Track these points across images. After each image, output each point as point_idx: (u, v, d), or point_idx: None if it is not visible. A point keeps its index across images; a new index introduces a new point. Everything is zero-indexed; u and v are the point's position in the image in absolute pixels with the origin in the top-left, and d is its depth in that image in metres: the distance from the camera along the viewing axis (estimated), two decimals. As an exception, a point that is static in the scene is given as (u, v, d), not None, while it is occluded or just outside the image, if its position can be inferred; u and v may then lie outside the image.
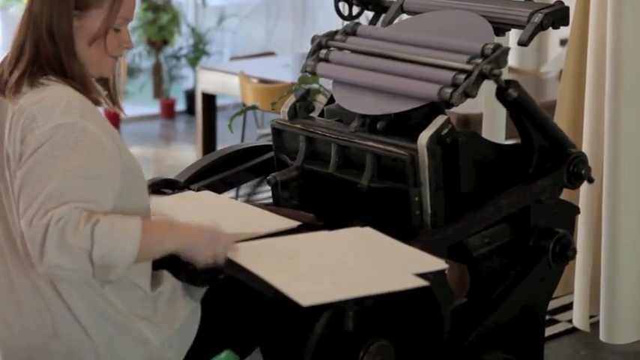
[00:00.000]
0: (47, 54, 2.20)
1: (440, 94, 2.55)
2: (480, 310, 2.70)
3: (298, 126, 2.78)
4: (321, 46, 2.88)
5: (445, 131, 2.54)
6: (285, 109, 2.84)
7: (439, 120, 2.55)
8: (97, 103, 2.24)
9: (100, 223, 2.02)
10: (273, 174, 2.80)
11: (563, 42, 7.24)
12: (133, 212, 2.17)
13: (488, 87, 3.45)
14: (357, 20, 2.96)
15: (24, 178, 2.09)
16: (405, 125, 2.66)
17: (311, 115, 2.86)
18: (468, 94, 2.54)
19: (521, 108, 2.68)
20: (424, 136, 2.52)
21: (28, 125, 2.13)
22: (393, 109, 2.67)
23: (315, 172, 2.75)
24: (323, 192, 2.76)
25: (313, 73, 2.86)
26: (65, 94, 2.17)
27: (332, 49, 2.86)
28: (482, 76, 2.55)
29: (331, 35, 2.89)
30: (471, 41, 2.66)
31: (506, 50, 2.59)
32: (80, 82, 2.21)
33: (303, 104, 2.85)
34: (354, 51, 2.82)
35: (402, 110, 2.65)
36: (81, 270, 2.03)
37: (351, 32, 2.88)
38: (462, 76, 2.55)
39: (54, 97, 2.16)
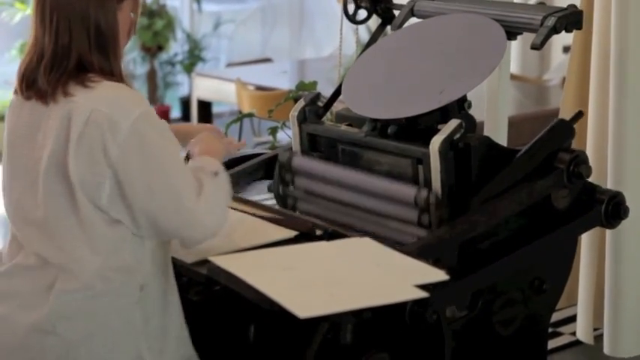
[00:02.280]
0: (92, 58, 2.22)
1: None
2: (482, 323, 2.70)
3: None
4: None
5: (457, 135, 2.55)
6: (294, 112, 2.85)
7: (452, 124, 2.56)
8: None
9: (218, 174, 2.33)
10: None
11: (566, 49, 7.25)
12: None
13: (489, 94, 3.46)
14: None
15: (144, 174, 2.19)
16: (416, 129, 2.67)
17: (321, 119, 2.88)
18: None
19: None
20: (436, 141, 2.53)
21: (108, 127, 2.16)
22: (404, 114, 2.67)
23: None
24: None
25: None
26: (122, 87, 2.24)
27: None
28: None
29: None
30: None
31: (443, 202, 2.56)
32: (122, 78, 2.27)
33: (313, 108, 2.86)
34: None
35: (413, 114, 2.66)
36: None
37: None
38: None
39: (115, 92, 2.21)
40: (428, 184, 2.56)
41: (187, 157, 2.47)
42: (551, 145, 2.73)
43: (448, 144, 2.54)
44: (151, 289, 2.28)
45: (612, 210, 2.80)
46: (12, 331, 2.25)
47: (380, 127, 2.71)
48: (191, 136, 2.53)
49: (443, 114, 2.67)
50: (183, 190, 2.21)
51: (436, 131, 2.57)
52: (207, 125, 2.72)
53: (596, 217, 2.81)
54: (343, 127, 2.83)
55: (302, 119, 2.85)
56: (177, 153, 2.25)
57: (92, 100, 2.18)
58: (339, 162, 2.78)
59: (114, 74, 2.24)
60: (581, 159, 2.75)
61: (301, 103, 2.86)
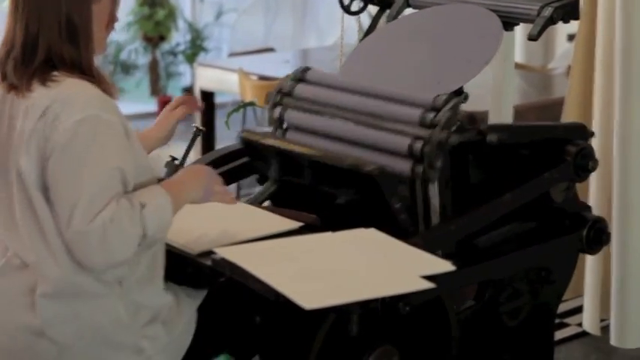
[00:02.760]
0: (62, 49, 2.18)
1: (399, 168, 2.51)
2: (488, 313, 2.69)
3: (270, 142, 2.73)
4: (275, 104, 2.82)
5: (454, 128, 2.54)
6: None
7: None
8: (109, 94, 2.24)
9: (146, 207, 2.14)
10: (255, 195, 2.78)
11: (570, 37, 7.23)
12: None
13: (494, 83, 3.45)
14: (307, 67, 2.90)
15: (57, 179, 2.12)
16: None
17: None
18: (432, 166, 2.50)
19: (507, 145, 2.66)
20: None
21: (52, 123, 2.13)
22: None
23: (294, 183, 2.73)
24: (303, 203, 2.74)
25: (281, 121, 2.80)
26: (81, 87, 2.18)
27: (287, 108, 2.78)
28: (441, 146, 2.51)
29: (281, 87, 2.82)
30: (426, 89, 2.62)
31: (458, 103, 2.55)
32: (94, 74, 2.22)
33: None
34: (305, 108, 2.75)
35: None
36: (132, 253, 2.15)
37: (299, 78, 2.82)
38: (419, 145, 2.50)
39: (71, 91, 2.16)
40: (424, 178, 2.53)
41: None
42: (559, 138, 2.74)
43: (445, 137, 2.52)
44: (130, 282, 2.25)
45: (594, 235, 2.79)
46: (3, 331, 2.25)
47: None
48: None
49: None
50: (79, 207, 2.08)
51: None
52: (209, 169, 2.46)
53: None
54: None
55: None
56: (101, 167, 2.11)
57: (49, 98, 2.16)
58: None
59: (83, 68, 2.20)
60: (587, 152, 2.75)
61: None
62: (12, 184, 2.21)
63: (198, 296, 2.43)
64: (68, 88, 2.17)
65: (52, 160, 2.13)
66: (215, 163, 2.94)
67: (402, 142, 2.51)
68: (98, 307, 2.22)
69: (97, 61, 2.28)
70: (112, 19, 2.28)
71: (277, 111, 2.78)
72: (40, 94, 2.17)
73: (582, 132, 2.82)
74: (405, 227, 2.53)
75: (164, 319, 2.31)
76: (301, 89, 2.77)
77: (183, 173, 2.35)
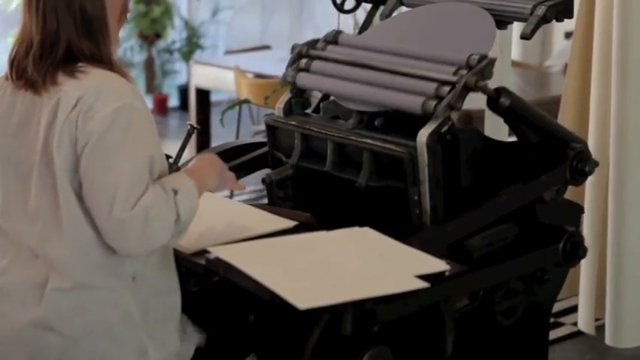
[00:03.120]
0: (81, 44, 2.20)
1: (423, 107, 2.54)
2: (483, 312, 2.69)
3: (293, 123, 2.78)
4: (302, 55, 2.85)
5: (445, 128, 2.54)
6: (280, 105, 2.83)
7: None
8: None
9: (178, 193, 2.17)
10: (268, 173, 2.79)
11: (568, 35, 7.24)
12: None
13: (490, 82, 3.45)
14: (339, 29, 2.93)
15: (94, 168, 2.14)
16: (403, 122, 2.65)
17: (307, 111, 2.85)
18: (453, 107, 2.53)
19: (515, 114, 2.67)
20: (424, 133, 2.52)
21: (86, 113, 2.15)
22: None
23: (312, 170, 2.74)
24: (319, 190, 2.75)
25: (294, 84, 2.83)
26: (111, 77, 2.20)
27: (313, 59, 2.83)
28: (467, 89, 2.53)
29: (312, 44, 2.87)
30: (457, 51, 2.64)
31: (492, 61, 2.57)
32: (113, 65, 2.24)
33: (299, 100, 2.84)
34: (335, 60, 2.80)
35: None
36: (168, 239, 2.18)
37: (332, 40, 2.85)
38: (447, 88, 2.54)
39: (102, 81, 2.18)
40: (416, 177, 2.54)
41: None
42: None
43: (436, 137, 2.53)
44: (144, 278, 2.27)
45: (570, 249, 2.78)
46: (10, 327, 2.25)
47: (367, 119, 2.70)
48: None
49: None
50: (120, 194, 2.11)
51: (425, 123, 2.55)
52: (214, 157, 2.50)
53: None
54: (328, 119, 2.81)
55: (288, 111, 2.83)
56: (138, 155, 2.15)
57: (80, 89, 2.17)
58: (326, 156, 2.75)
59: (104, 61, 2.22)
60: (585, 155, 2.75)
61: (287, 94, 2.84)
62: (28, 176, 2.22)
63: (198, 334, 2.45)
64: (97, 78, 2.19)
65: (88, 150, 2.14)
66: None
67: (430, 86, 2.55)
68: (110, 301, 2.23)
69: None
70: (124, 10, 2.30)
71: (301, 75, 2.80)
72: (70, 86, 2.18)
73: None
74: (416, 224, 2.53)
75: (172, 328, 2.32)
76: (333, 49, 2.81)
77: (198, 162, 2.39)
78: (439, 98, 2.53)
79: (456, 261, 2.59)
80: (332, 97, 2.83)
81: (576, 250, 2.76)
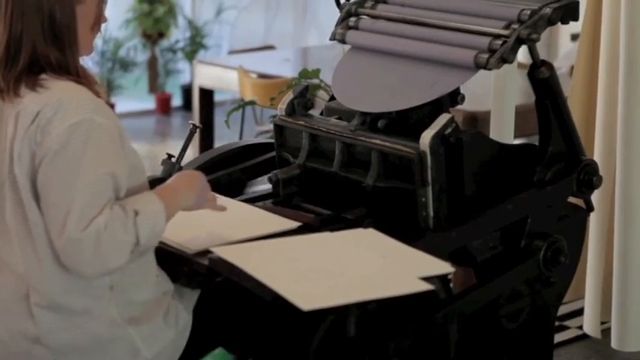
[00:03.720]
0: (47, 51, 2.16)
1: (476, 60, 2.55)
2: (488, 316, 2.69)
3: (302, 123, 2.78)
4: (350, 13, 2.88)
5: (449, 130, 2.53)
6: (282, 105, 2.84)
7: (442, 119, 2.54)
8: (98, 95, 2.22)
9: (139, 215, 2.11)
10: (274, 171, 2.79)
11: (574, 37, 7.22)
12: None
13: (496, 83, 3.45)
14: None
15: (49, 185, 2.10)
16: (406, 124, 2.65)
17: (309, 112, 2.85)
18: (505, 60, 2.56)
19: (549, 91, 2.69)
20: (427, 136, 2.51)
21: (44, 127, 2.12)
22: (395, 107, 2.66)
23: (319, 170, 2.74)
24: (326, 190, 2.75)
25: (343, 41, 2.86)
26: (72, 90, 2.16)
27: (362, 16, 2.85)
28: (520, 41, 2.57)
29: (361, 3, 2.88)
30: (507, 7, 2.66)
31: (544, 16, 2.60)
32: (82, 76, 2.20)
33: (302, 101, 2.84)
34: (385, 18, 2.82)
35: (404, 108, 2.64)
36: (125, 261, 2.12)
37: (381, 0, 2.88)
38: (499, 42, 2.57)
39: (62, 95, 2.14)
40: (424, 178, 2.54)
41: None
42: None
43: (439, 139, 2.52)
44: (122, 285, 2.24)
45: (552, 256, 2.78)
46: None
47: (370, 120, 2.69)
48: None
49: (435, 108, 2.65)
50: (73, 214, 2.06)
51: (428, 125, 2.55)
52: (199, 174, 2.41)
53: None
54: (332, 120, 2.81)
55: (290, 112, 2.83)
56: (96, 172, 2.09)
57: (39, 103, 2.14)
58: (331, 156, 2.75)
59: (70, 70, 2.18)
60: (592, 168, 2.76)
61: (290, 95, 2.84)
62: (2, 188, 2.20)
63: (192, 298, 2.42)
64: (59, 91, 2.15)
65: (44, 166, 2.11)
66: (216, 162, 2.94)
67: (483, 40, 2.59)
68: (91, 315, 2.22)
69: (95, 58, 2.27)
70: (97, 20, 2.25)
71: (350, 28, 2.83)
72: (30, 99, 2.15)
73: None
74: (422, 225, 2.53)
75: (160, 319, 2.31)
76: (382, 8, 2.85)
77: (177, 179, 2.32)
78: (492, 52, 2.55)
79: (459, 264, 2.59)
80: (336, 99, 2.83)
81: (557, 258, 2.75)
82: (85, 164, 2.09)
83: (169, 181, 2.33)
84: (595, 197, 3.64)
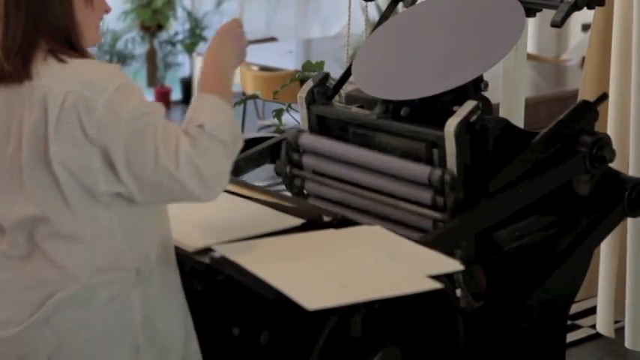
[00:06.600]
0: (50, 40, 2.18)
1: None
2: (499, 313, 2.69)
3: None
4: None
5: (474, 117, 2.54)
6: (302, 94, 2.84)
7: (468, 105, 2.55)
8: None
9: (206, 125, 2.16)
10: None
11: (585, 27, 7.22)
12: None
13: (505, 75, 3.44)
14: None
15: (127, 148, 2.14)
16: (430, 111, 2.66)
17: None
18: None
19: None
20: (452, 123, 2.52)
21: (85, 105, 2.13)
22: (418, 94, 2.66)
23: None
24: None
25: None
26: (90, 64, 2.19)
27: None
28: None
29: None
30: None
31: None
32: (85, 53, 2.22)
33: (322, 89, 2.84)
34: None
35: (427, 95, 2.65)
36: (228, 163, 2.19)
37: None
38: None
39: (86, 69, 2.17)
40: (443, 167, 2.55)
41: None
42: (573, 128, 2.72)
43: (464, 126, 2.53)
44: (148, 272, 2.25)
45: (636, 197, 2.79)
46: (3, 327, 2.25)
47: (392, 108, 2.70)
48: None
49: (458, 95, 2.65)
50: (159, 149, 2.13)
51: (451, 113, 2.56)
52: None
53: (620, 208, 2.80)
54: (354, 108, 2.82)
55: (311, 101, 2.83)
56: (155, 117, 2.16)
57: (64, 82, 2.15)
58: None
59: (76, 48, 2.21)
60: (604, 142, 2.74)
61: (309, 83, 2.84)
62: (23, 179, 2.20)
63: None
64: (79, 68, 2.17)
65: (103, 137, 2.13)
66: None
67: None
68: (112, 293, 2.22)
69: (93, 50, 2.28)
70: (99, 6, 2.27)
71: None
72: (52, 81, 2.16)
73: (588, 113, 2.81)
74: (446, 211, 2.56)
75: (175, 330, 2.32)
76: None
77: (211, 50, 2.38)
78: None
79: (485, 253, 2.59)
80: (357, 86, 2.84)
81: None
82: (144, 115, 2.15)
83: (206, 56, 2.37)
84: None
